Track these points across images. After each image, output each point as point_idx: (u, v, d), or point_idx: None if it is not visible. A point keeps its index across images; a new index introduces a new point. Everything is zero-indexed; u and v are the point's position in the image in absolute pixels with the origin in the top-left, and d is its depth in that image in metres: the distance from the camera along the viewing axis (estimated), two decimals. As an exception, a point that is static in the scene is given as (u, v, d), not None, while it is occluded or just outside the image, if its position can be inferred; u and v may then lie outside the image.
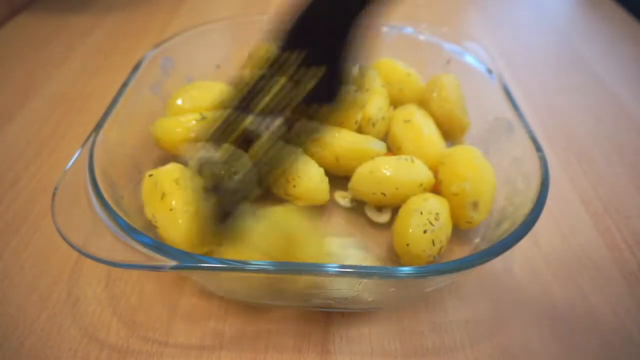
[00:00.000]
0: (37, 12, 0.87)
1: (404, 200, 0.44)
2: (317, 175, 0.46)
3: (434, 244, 0.40)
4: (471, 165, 0.44)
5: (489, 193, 0.43)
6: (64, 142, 0.57)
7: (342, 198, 0.49)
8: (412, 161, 0.45)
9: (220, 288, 0.39)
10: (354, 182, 0.46)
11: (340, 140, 0.47)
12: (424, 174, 0.45)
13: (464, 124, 0.51)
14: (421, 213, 0.41)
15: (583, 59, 0.80)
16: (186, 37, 0.57)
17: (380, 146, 0.48)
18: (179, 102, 0.51)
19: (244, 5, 0.93)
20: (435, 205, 0.42)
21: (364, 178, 0.45)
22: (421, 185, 0.44)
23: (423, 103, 0.54)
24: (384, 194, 0.44)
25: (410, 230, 0.40)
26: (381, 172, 0.44)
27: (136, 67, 0.49)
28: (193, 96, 0.52)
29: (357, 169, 0.46)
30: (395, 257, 0.43)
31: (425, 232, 0.40)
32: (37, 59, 0.73)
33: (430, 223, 0.40)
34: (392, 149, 0.51)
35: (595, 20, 0.94)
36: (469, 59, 0.56)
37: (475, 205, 0.42)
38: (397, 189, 0.44)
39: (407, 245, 0.40)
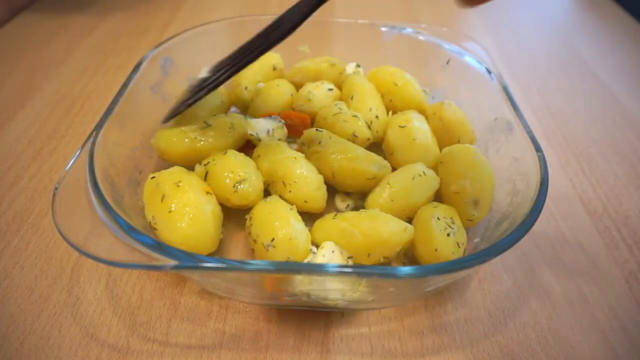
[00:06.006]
0: (37, 12, 0.87)
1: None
2: (314, 182, 0.44)
3: (458, 246, 0.40)
4: (470, 163, 0.44)
5: (489, 190, 0.43)
6: (64, 142, 0.57)
7: (342, 202, 0.48)
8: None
9: (220, 289, 0.39)
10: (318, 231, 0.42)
11: (338, 155, 0.45)
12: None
13: None
14: (438, 219, 0.41)
15: (582, 59, 0.80)
16: (186, 37, 0.57)
17: (378, 168, 0.45)
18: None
19: (243, 5, 0.93)
20: (447, 210, 0.42)
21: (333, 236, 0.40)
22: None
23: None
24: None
25: (435, 235, 0.39)
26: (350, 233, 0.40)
27: (136, 67, 0.49)
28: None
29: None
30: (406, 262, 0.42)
31: (448, 235, 0.40)
32: (37, 59, 0.73)
33: (450, 226, 0.40)
34: (386, 155, 0.51)
35: (594, 20, 0.94)
36: (469, 59, 0.56)
37: (476, 203, 0.43)
38: (369, 255, 0.40)
39: (436, 250, 0.39)
